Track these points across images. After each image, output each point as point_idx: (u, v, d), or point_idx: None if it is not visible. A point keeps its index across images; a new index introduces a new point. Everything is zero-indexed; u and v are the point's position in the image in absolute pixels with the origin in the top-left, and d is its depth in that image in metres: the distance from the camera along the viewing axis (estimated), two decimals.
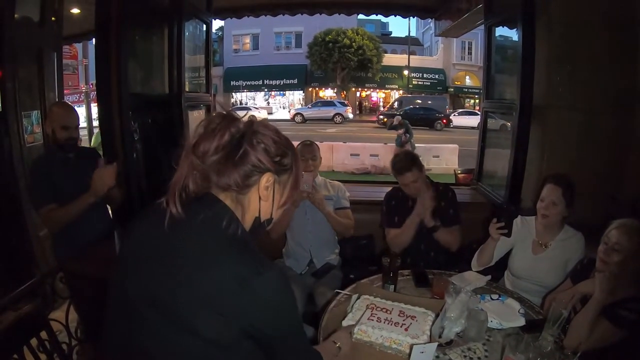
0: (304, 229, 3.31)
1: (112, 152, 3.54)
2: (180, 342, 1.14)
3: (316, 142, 3.44)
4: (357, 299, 2.20)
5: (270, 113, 32.99)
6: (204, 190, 1.22)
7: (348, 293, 2.38)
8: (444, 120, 26.59)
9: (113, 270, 1.28)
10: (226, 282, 1.11)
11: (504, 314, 2.21)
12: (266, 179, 1.24)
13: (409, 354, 1.78)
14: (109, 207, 3.27)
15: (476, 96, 32.21)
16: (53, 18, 4.51)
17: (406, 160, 3.09)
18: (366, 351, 1.91)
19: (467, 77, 34.13)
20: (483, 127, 4.67)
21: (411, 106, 28.12)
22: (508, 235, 2.59)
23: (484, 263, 2.79)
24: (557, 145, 3.50)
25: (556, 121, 3.49)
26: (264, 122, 1.29)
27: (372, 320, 1.99)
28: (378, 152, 12.34)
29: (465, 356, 1.91)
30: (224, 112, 1.25)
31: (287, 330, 1.25)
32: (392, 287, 2.46)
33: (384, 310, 2.08)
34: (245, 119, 1.24)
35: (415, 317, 2.03)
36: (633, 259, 2.08)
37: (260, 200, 1.27)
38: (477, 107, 29.05)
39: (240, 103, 34.81)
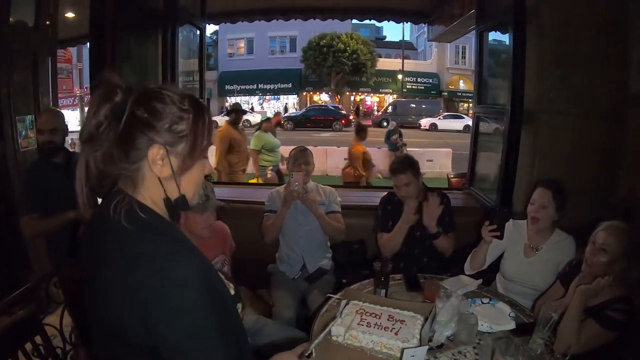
0: (296, 234, 3.32)
1: None
2: (120, 354, 1.11)
3: (309, 148, 3.46)
4: (345, 305, 2.21)
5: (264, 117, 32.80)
6: (108, 178, 1.13)
7: (339, 298, 2.38)
8: (343, 121, 26.81)
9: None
10: (116, 276, 1.04)
11: (495, 318, 2.22)
12: (155, 152, 1.09)
13: (400, 358, 1.79)
14: None
15: (470, 100, 32.14)
16: (48, 22, 4.51)
17: (403, 163, 3.13)
18: (357, 356, 1.91)
19: (461, 81, 34.24)
20: (475, 131, 4.70)
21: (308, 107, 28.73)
22: (500, 237, 2.60)
23: (477, 266, 2.80)
24: (549, 149, 3.51)
25: (547, 126, 3.51)
26: (149, 87, 1.15)
27: (362, 325, 2.00)
28: (373, 156, 12.24)
29: (455, 359, 1.93)
30: (104, 82, 1.11)
31: (181, 334, 1.03)
32: (383, 291, 2.47)
33: (374, 315, 2.09)
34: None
35: (404, 321, 2.04)
36: (620, 261, 2.11)
37: (160, 178, 1.12)
38: (471, 112, 29.14)
39: None
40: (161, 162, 1.10)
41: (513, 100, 3.63)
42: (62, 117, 3.16)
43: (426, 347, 1.78)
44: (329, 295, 2.48)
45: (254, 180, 7.23)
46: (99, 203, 1.14)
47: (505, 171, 3.73)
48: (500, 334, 2.12)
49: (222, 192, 4.14)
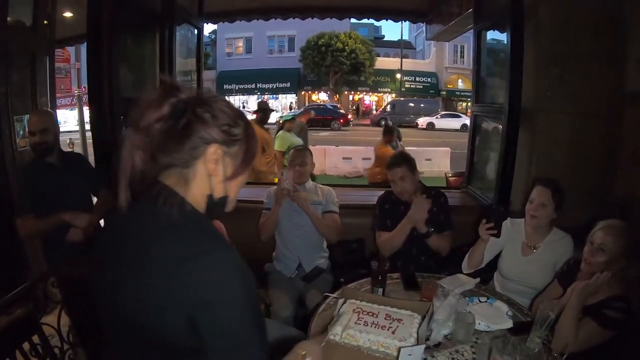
0: (292, 234, 3.31)
1: (103, 158, 3.55)
2: (150, 356, 1.12)
3: (309, 147, 3.46)
4: (342, 304, 2.21)
5: None
6: (152, 173, 1.14)
7: (336, 296, 2.38)
8: (341, 120, 26.94)
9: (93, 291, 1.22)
10: (161, 268, 1.04)
11: (492, 316, 2.22)
12: (213, 151, 1.14)
13: (397, 357, 1.79)
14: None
15: (468, 99, 32.12)
16: (45, 22, 4.50)
17: (398, 157, 3.17)
18: (354, 355, 1.91)
19: (460, 80, 34.24)
20: (473, 130, 4.71)
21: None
22: (497, 235, 2.61)
23: (475, 265, 2.81)
24: (546, 148, 3.53)
25: (545, 124, 3.53)
26: (212, 93, 1.21)
27: (359, 324, 2.00)
28: (370, 155, 12.20)
29: (453, 358, 1.92)
30: (165, 84, 1.16)
31: (228, 329, 1.06)
32: (380, 290, 2.47)
33: (371, 314, 2.09)
34: None
35: (401, 319, 2.04)
36: (618, 260, 2.11)
37: (211, 176, 1.17)
38: (470, 111, 29.09)
39: None
40: (216, 162, 1.15)
41: (511, 99, 3.63)
42: (52, 117, 3.16)
43: (423, 346, 1.78)
44: (326, 294, 2.47)
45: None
46: (134, 199, 1.13)
47: (503, 170, 3.74)
48: (498, 333, 2.12)
49: None
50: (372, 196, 3.59)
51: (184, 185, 1.15)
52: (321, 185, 3.51)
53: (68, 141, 10.79)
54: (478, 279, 2.67)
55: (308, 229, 3.27)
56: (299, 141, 7.17)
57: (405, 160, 3.11)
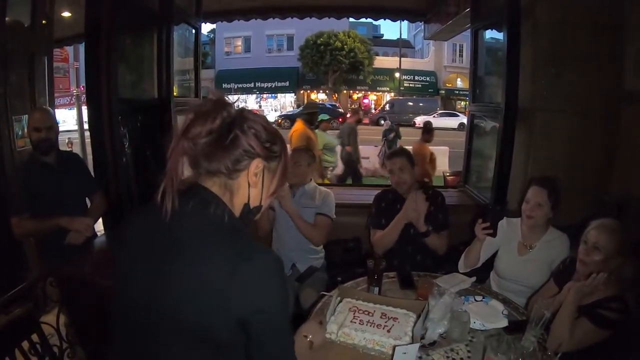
0: (287, 233, 3.31)
1: (101, 157, 3.55)
2: (186, 350, 1.14)
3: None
4: (339, 302, 2.23)
5: None
6: (194, 178, 1.21)
7: (332, 295, 2.39)
8: (340, 119, 26.03)
9: (113, 282, 1.28)
10: (215, 271, 1.10)
11: (487, 315, 2.23)
12: (256, 165, 1.22)
13: (392, 355, 1.80)
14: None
15: (467, 98, 32.17)
16: (44, 22, 4.50)
17: (399, 150, 3.24)
18: (349, 354, 1.93)
19: (459, 79, 34.13)
20: (470, 130, 4.72)
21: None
22: (493, 235, 2.61)
23: (471, 264, 2.81)
24: (543, 147, 3.54)
25: (542, 124, 3.54)
26: (254, 111, 1.29)
27: (355, 322, 2.02)
28: (369, 154, 12.23)
29: (448, 357, 1.93)
30: (216, 97, 1.22)
31: (274, 327, 1.19)
32: (376, 289, 2.48)
33: (366, 312, 2.11)
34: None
35: (397, 318, 2.06)
36: (613, 258, 2.11)
37: (250, 187, 1.25)
38: (468, 110, 28.98)
39: None
40: (257, 175, 1.24)
41: (507, 98, 3.65)
42: (54, 115, 3.17)
43: (418, 345, 1.80)
44: (322, 292, 2.49)
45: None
46: (176, 201, 1.17)
47: (499, 169, 3.75)
48: (493, 332, 2.13)
49: None
50: (369, 195, 3.60)
51: (229, 195, 1.23)
52: (322, 188, 3.48)
53: (67, 141, 10.79)
54: (474, 278, 2.68)
55: None
56: (332, 141, 7.15)
57: (406, 153, 3.17)
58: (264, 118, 1.26)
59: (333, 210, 3.34)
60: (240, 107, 1.25)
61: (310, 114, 6.66)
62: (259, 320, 1.14)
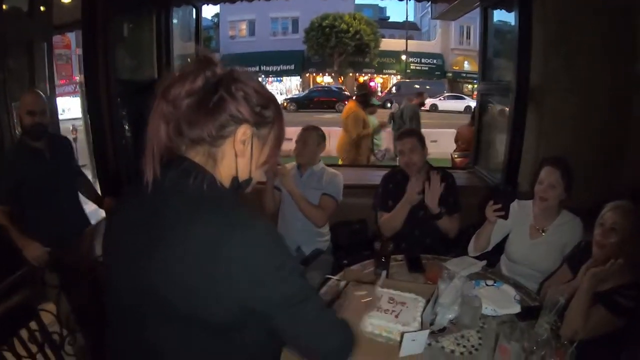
0: (293, 215, 3.24)
1: (100, 140, 3.50)
2: (181, 334, 1.07)
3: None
4: (344, 286, 2.16)
5: None
6: (177, 148, 1.10)
7: (338, 279, 2.33)
8: (346, 102, 26.24)
9: (103, 266, 1.21)
10: (201, 247, 1.00)
11: (499, 301, 2.16)
12: (243, 132, 1.10)
13: (400, 342, 1.73)
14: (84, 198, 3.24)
15: (474, 81, 31.92)
16: (42, 8, 4.45)
17: (410, 130, 3.18)
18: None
19: (466, 62, 33.88)
20: (480, 110, 4.61)
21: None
22: (505, 217, 2.54)
23: (481, 248, 2.75)
24: (555, 128, 3.46)
25: (553, 104, 3.45)
26: (246, 71, 1.17)
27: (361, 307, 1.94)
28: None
29: (458, 344, 1.86)
30: (201, 56, 1.12)
31: (284, 296, 1.09)
32: (384, 272, 2.38)
33: (373, 297, 2.03)
34: None
35: (405, 303, 1.98)
36: (630, 241, 2.04)
37: (237, 157, 1.13)
38: (475, 93, 28.84)
39: None
40: (244, 143, 1.12)
41: (519, 77, 3.57)
42: (46, 99, 3.08)
43: (427, 332, 1.72)
44: (327, 276, 2.42)
45: None
46: (157, 174, 1.08)
47: (510, 150, 3.68)
48: (505, 318, 2.07)
49: None
50: (376, 176, 3.52)
51: (213, 164, 1.12)
52: (330, 170, 3.40)
53: (71, 128, 10.76)
54: (484, 262, 2.61)
55: None
56: (374, 123, 7.01)
57: (417, 133, 3.10)
58: (257, 79, 1.16)
59: (340, 193, 3.27)
60: (231, 68, 1.14)
61: (364, 95, 6.61)
62: (261, 297, 1.06)
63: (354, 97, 6.50)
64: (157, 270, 1.04)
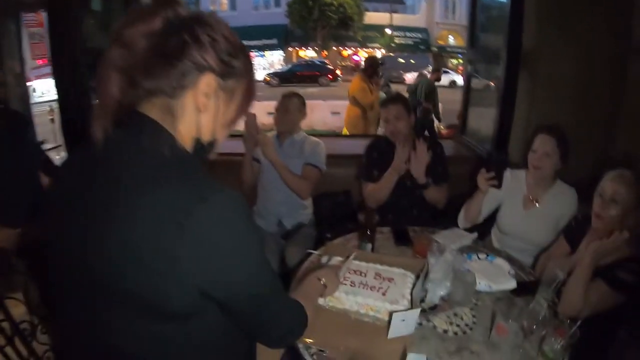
0: (275, 187, 3.06)
1: (68, 110, 3.33)
2: (133, 322, 0.92)
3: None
4: (327, 261, 1.98)
5: None
6: (131, 100, 0.93)
7: (320, 253, 2.15)
8: (330, 76, 26.92)
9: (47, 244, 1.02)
10: (160, 221, 0.84)
11: (493, 275, 2.01)
12: (207, 82, 0.94)
13: (389, 322, 1.56)
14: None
15: (459, 56, 31.89)
16: None
17: (396, 95, 3.00)
18: (339, 321, 1.67)
19: (451, 36, 33.74)
20: (467, 78, 4.44)
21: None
22: (498, 186, 2.39)
23: (472, 219, 2.61)
24: (547, 95, 3.29)
25: (547, 70, 3.27)
26: (215, 14, 0.99)
27: (346, 284, 1.76)
28: None
29: (451, 322, 1.70)
30: None
31: (247, 280, 0.97)
32: (369, 245, 2.23)
33: (358, 272, 1.86)
34: None
35: (393, 279, 1.82)
36: (632, 212, 1.92)
37: (199, 112, 0.97)
38: (460, 68, 28.80)
39: None
40: (208, 95, 0.96)
41: (510, 41, 3.40)
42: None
43: (418, 311, 1.54)
44: (308, 250, 2.24)
45: None
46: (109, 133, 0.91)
47: (500, 118, 3.51)
48: (500, 294, 1.93)
49: None
50: (359, 145, 3.34)
51: (170, 120, 0.95)
52: (312, 138, 3.23)
53: (49, 108, 10.52)
54: (476, 234, 2.49)
55: None
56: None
57: (402, 99, 2.93)
58: (226, 25, 0.98)
59: (323, 162, 3.10)
60: (198, 10, 0.96)
61: (371, 65, 6.45)
62: (226, 283, 0.93)
63: (361, 70, 6.47)
64: (107, 247, 0.87)
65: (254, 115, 2.87)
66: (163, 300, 0.88)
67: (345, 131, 6.61)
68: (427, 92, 7.17)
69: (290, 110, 3.10)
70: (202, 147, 1.02)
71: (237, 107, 1.05)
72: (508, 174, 2.55)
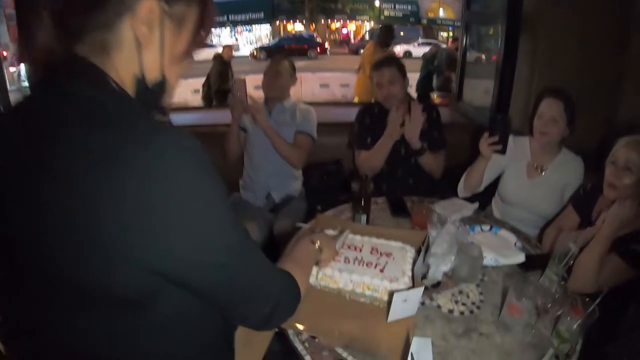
0: (263, 158, 2.90)
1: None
2: (72, 312, 0.77)
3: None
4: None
5: (236, 50, 31.84)
6: (64, 46, 0.76)
7: (309, 227, 1.96)
8: (318, 49, 27.09)
9: None
10: (81, 177, 0.66)
11: (499, 248, 1.85)
12: (148, 7, 0.77)
13: (388, 302, 1.39)
14: None
15: (449, 28, 31.61)
16: None
17: (390, 58, 2.84)
18: (333, 302, 1.48)
19: (441, 8, 33.39)
20: (464, 40, 4.22)
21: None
22: (503, 151, 2.20)
23: (473, 188, 2.44)
24: (550, 58, 3.09)
25: (550, 30, 3.07)
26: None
27: (339, 261, 1.57)
28: (349, 81, 11.76)
29: (456, 301, 1.54)
30: None
31: (207, 247, 0.77)
32: (364, 217, 2.04)
33: (353, 247, 1.66)
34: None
35: (391, 254, 1.63)
36: None
37: (140, 47, 0.79)
38: (450, 41, 28.62)
39: None
40: (150, 24, 0.79)
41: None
42: None
43: (421, 289, 1.35)
44: (298, 224, 2.05)
45: None
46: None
47: (501, 82, 3.31)
48: (507, 269, 1.77)
49: (184, 118, 3.81)
50: (351, 113, 3.15)
51: (102, 54, 0.77)
52: (302, 105, 3.07)
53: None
54: (477, 204, 2.33)
55: None
56: None
57: (396, 62, 2.74)
58: None
59: (315, 129, 2.94)
60: None
61: (385, 33, 6.40)
62: (180, 252, 0.73)
63: (376, 37, 6.62)
64: (42, 225, 0.70)
65: (243, 81, 2.71)
66: (104, 283, 0.72)
67: (356, 100, 6.64)
68: (447, 61, 7.13)
69: (281, 74, 2.95)
70: (147, 89, 0.83)
71: (189, 38, 0.87)
72: (510, 140, 2.37)
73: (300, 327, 1.34)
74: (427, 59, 7.70)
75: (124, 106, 0.76)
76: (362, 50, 21.23)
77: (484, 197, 2.57)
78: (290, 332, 1.34)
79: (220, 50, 7.61)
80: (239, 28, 33.85)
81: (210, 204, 0.77)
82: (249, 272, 0.87)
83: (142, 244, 0.69)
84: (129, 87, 0.81)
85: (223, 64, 7.33)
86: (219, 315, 0.95)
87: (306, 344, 1.31)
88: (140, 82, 0.81)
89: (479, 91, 4.03)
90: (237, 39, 34.17)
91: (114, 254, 0.68)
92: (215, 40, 33.51)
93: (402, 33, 29.03)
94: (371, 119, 2.84)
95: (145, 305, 0.77)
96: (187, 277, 0.77)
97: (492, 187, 2.57)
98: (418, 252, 1.64)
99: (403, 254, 1.62)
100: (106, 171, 0.65)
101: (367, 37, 29.13)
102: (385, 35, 6.36)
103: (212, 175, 0.77)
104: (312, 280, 1.52)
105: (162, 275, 0.74)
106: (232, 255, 0.82)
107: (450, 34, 30.21)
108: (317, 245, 1.36)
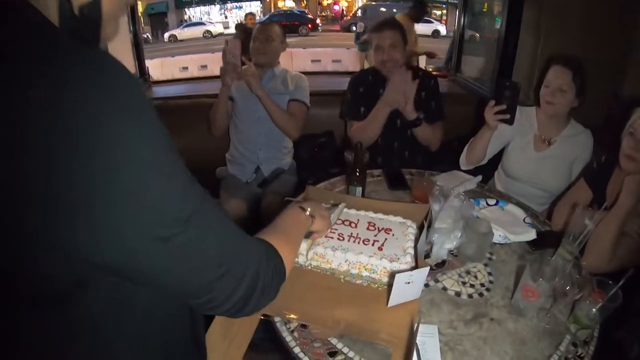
0: (253, 129, 2.76)
1: None
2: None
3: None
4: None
5: (226, 27, 31.50)
6: None
7: (299, 200, 1.79)
8: (309, 25, 26.62)
9: None
10: (20, 128, 0.50)
11: (508, 224, 1.70)
12: None
13: (388, 284, 1.23)
14: None
15: (443, 5, 31.33)
16: None
17: (392, 20, 2.71)
18: (325, 284, 1.32)
19: None
20: (463, 8, 4.03)
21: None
22: (510, 122, 2.03)
23: (476, 160, 2.28)
24: (556, 25, 2.93)
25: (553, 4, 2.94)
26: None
27: (332, 238, 1.40)
28: (340, 57, 11.57)
29: (464, 283, 1.39)
30: None
31: (157, 216, 0.59)
32: (359, 189, 1.86)
33: (347, 223, 1.50)
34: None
35: (390, 230, 1.47)
36: None
37: None
38: (444, 18, 28.38)
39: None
40: None
41: None
42: None
43: (427, 270, 1.18)
44: (287, 198, 1.87)
45: None
46: None
47: (503, 51, 3.14)
48: (516, 247, 1.63)
49: (160, 90, 3.59)
50: (343, 82, 2.99)
51: None
52: (294, 72, 2.92)
53: None
54: (480, 177, 2.17)
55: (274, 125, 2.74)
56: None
57: (399, 25, 2.57)
58: None
59: (308, 97, 2.82)
60: None
61: (418, 7, 6.17)
62: (116, 228, 0.55)
63: (409, 10, 6.24)
64: None
65: (238, 42, 2.55)
66: (30, 269, 0.57)
67: None
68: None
69: (272, 38, 2.80)
70: (75, 18, 0.63)
71: None
72: (517, 110, 2.21)
73: (288, 314, 1.17)
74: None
75: (44, 34, 0.57)
76: (354, 28, 21.12)
77: (486, 171, 2.40)
78: (277, 320, 1.19)
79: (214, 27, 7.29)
80: (229, 5, 33.47)
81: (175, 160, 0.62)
82: (209, 244, 0.68)
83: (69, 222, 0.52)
84: (51, 12, 0.61)
85: (247, 33, 7.07)
86: (176, 304, 0.78)
87: (295, 334, 1.16)
88: (64, 6, 0.62)
89: (480, 63, 3.90)
90: (226, 17, 33.75)
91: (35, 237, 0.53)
92: (204, 18, 33.30)
93: (394, 10, 28.84)
94: (365, 87, 2.67)
95: (77, 297, 0.60)
96: (124, 262, 0.59)
97: (495, 160, 2.42)
98: (420, 228, 1.47)
99: (404, 230, 1.46)
100: (16, 109, 0.49)
101: (359, 13, 28.79)
102: (419, 10, 6.15)
103: (152, 111, 0.62)
104: (301, 259, 1.36)
105: (94, 263, 0.57)
106: (187, 223, 0.63)
107: (444, 11, 30.05)
108: (307, 212, 1.15)
